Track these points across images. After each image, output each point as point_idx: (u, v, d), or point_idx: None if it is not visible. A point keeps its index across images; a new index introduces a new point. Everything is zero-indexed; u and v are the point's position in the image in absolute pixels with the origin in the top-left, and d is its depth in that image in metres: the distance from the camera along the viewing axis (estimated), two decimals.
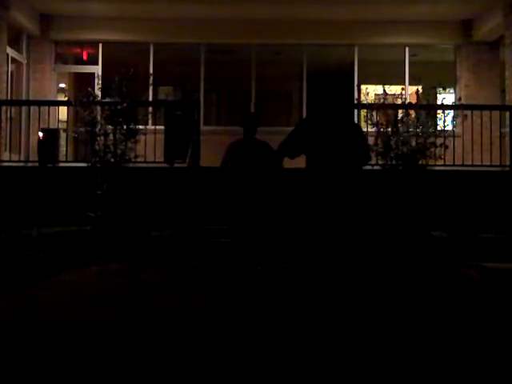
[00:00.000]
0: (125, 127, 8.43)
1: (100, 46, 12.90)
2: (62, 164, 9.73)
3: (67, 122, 10.29)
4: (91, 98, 8.64)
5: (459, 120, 9.70)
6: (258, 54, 13.04)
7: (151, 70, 12.11)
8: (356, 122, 5.77)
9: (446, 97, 10.41)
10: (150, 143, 9.12)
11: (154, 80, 10.11)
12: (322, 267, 4.96)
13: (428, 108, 8.64)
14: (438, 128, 8.73)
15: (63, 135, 10.30)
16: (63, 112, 11.04)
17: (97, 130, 8.49)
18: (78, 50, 13.42)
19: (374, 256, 7.21)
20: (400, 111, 8.70)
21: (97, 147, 8.45)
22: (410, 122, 8.53)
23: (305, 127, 5.14)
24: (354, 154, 4.94)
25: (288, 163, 5.39)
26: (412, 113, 8.68)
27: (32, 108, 11.55)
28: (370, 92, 9.42)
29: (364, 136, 5.18)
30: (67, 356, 3.49)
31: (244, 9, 11.88)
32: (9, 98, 11.59)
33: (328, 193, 4.85)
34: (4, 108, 10.23)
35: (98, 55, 12.91)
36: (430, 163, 8.43)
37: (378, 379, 3.19)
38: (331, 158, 4.87)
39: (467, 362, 3.41)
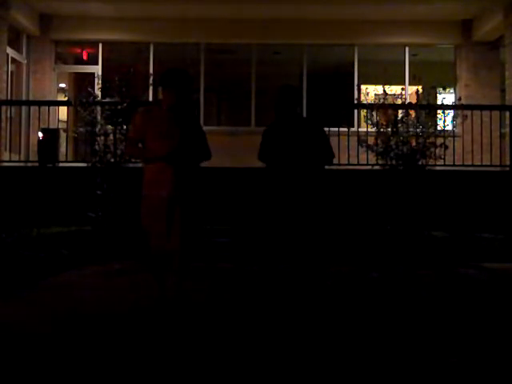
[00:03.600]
0: (125, 127, 8.42)
1: (100, 45, 12.92)
2: (62, 164, 9.73)
3: (67, 122, 10.28)
4: (91, 98, 8.63)
5: (459, 120, 9.70)
6: (258, 54, 13.06)
7: (151, 70, 12.12)
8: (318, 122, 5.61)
9: (446, 97, 10.40)
10: None
11: (153, 80, 10.11)
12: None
13: (428, 108, 8.64)
14: (438, 128, 8.73)
15: (63, 135, 10.30)
16: (63, 112, 11.03)
17: (97, 130, 8.48)
18: (78, 50, 13.43)
19: (374, 256, 7.22)
20: (400, 111, 8.70)
21: (97, 147, 8.44)
22: (410, 122, 8.53)
23: (268, 134, 5.19)
24: (314, 153, 5.06)
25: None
26: (412, 113, 8.68)
27: (32, 108, 11.55)
28: (370, 92, 9.43)
29: (325, 135, 5.17)
30: (66, 356, 3.50)
31: (244, 9, 11.90)
32: (9, 97, 11.60)
33: (287, 190, 4.99)
34: (4, 108, 10.22)
35: (97, 55, 12.93)
36: (430, 163, 8.43)
37: (377, 379, 3.20)
38: (290, 159, 5.00)
39: (465, 362, 3.41)
